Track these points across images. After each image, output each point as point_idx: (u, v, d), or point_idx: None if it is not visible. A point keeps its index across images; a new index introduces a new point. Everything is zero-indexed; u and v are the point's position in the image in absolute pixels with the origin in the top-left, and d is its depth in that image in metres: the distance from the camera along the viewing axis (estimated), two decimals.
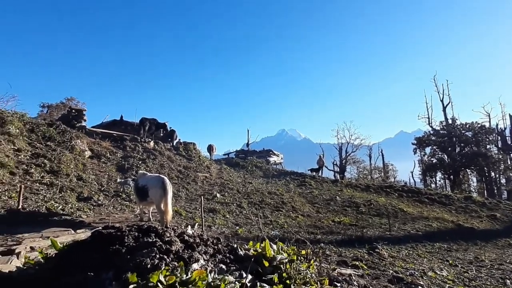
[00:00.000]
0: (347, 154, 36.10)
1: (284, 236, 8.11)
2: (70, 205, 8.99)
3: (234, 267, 2.56)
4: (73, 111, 19.62)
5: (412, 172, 38.09)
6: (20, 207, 7.65)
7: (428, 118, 37.17)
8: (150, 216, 8.76)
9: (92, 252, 2.49)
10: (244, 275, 2.39)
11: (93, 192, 10.72)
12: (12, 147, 11.17)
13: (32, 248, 4.55)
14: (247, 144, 32.93)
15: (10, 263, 3.64)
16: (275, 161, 33.84)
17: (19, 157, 10.96)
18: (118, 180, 12.39)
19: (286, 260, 2.68)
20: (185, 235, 2.81)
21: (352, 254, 7.20)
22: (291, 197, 15.98)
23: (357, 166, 40.63)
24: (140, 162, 16.04)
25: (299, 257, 2.92)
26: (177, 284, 2.01)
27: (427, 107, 37.49)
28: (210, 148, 27.67)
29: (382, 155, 40.92)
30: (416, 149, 38.12)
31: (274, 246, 2.96)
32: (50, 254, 3.27)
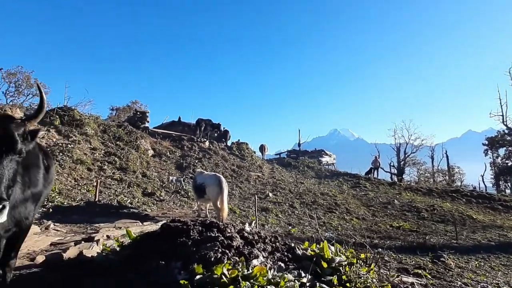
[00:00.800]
0: (406, 155, 33.78)
1: (338, 239, 7.94)
2: (136, 199, 9.84)
3: (292, 266, 2.61)
4: (138, 113, 21.39)
5: (482, 176, 34.32)
6: (96, 199, 8.60)
7: (502, 115, 33.05)
8: (207, 213, 9.19)
9: (162, 242, 2.74)
10: (303, 274, 2.43)
11: (155, 188, 11.57)
12: (88, 146, 12.57)
13: (108, 237, 5.08)
14: (299, 144, 32.64)
15: (92, 248, 4.13)
16: (327, 162, 33.06)
17: (95, 155, 12.29)
18: (171, 178, 13.16)
19: (345, 262, 2.65)
20: (244, 232, 2.94)
21: (413, 262, 6.78)
22: (345, 199, 15.51)
23: (417, 168, 37.77)
24: (196, 161, 16.87)
25: (358, 261, 2.87)
26: (239, 277, 2.13)
27: (500, 103, 33.32)
28: (262, 148, 28.02)
29: (447, 156, 37.49)
30: (487, 150, 34.26)
31: (332, 248, 2.94)
32: (124, 242, 3.66)
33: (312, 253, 2.83)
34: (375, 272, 2.96)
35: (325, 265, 2.62)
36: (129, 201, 9.50)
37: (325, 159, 33.55)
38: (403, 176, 32.01)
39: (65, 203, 8.09)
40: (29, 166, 2.18)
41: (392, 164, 33.07)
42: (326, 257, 2.72)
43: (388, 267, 5.23)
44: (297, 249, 2.89)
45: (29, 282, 2.87)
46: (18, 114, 14.18)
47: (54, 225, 5.86)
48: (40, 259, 3.61)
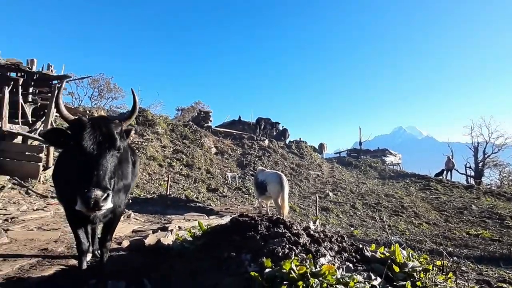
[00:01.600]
0: (486, 156, 30.01)
1: (407, 244, 7.45)
2: (202, 195, 10.45)
3: (361, 268, 2.56)
4: (202, 113, 22.62)
5: None
6: (167, 193, 9.36)
7: None
8: (268, 210, 9.36)
9: (232, 235, 2.91)
10: (373, 277, 2.37)
11: (218, 185, 12.14)
12: (159, 144, 13.70)
13: (179, 228, 5.50)
14: (360, 143, 31.19)
15: (167, 237, 4.52)
16: (391, 162, 31.04)
17: (164, 152, 13.35)
18: (228, 174, 13.61)
19: (420, 268, 2.50)
20: (310, 230, 2.96)
21: (496, 275, 6.05)
22: (413, 202, 14.44)
23: (499, 170, 33.29)
24: (256, 159, 17.24)
25: (433, 268, 2.68)
26: (308, 274, 2.16)
27: None
28: (321, 147, 27.47)
29: None
30: None
31: (404, 252, 2.80)
32: (196, 234, 3.94)
33: (382, 256, 2.72)
34: (453, 282, 2.74)
35: (397, 269, 2.50)
36: (195, 195, 10.14)
37: (389, 158, 31.56)
38: (482, 179, 28.53)
39: (141, 195, 8.96)
40: (122, 161, 2.48)
41: (468, 166, 29.68)
42: (398, 261, 2.60)
43: (466, 278, 4.76)
44: (365, 251, 2.82)
45: (119, 262, 3.27)
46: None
47: (134, 214, 6.53)
48: (125, 243, 4.07)
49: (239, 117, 26.40)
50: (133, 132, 2.49)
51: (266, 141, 21.45)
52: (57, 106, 2.14)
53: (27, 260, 3.20)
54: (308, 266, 2.33)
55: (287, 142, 24.18)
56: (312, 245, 2.76)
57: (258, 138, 21.53)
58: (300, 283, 2.11)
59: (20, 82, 10.90)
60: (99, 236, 3.22)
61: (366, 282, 2.32)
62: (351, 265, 2.62)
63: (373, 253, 2.85)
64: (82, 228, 2.62)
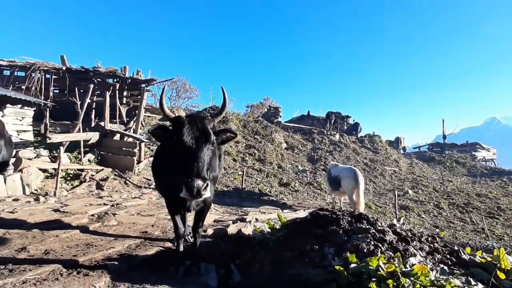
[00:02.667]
0: None
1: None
2: (274, 189, 10.69)
3: (457, 271, 2.36)
4: (272, 108, 22.98)
5: None
6: (243, 187, 9.81)
7: None
8: (341, 206, 9.13)
9: (312, 228, 2.95)
10: (473, 282, 2.17)
11: (290, 179, 12.25)
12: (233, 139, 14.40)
13: (256, 219, 5.75)
14: (443, 136, 28.08)
15: (247, 228, 4.77)
16: (483, 157, 27.31)
17: (238, 147, 13.96)
18: (299, 167, 13.53)
19: None
20: (395, 227, 2.83)
21: None
22: None
23: None
24: (327, 154, 16.88)
25: None
26: (398, 273, 2.09)
27: None
28: (398, 141, 25.59)
29: None
30: None
31: (510, 258, 2.49)
32: (275, 225, 4.08)
33: (483, 260, 2.46)
34: None
35: (502, 276, 2.24)
36: (268, 189, 10.41)
37: (481, 153, 27.82)
38: None
39: (219, 188, 9.56)
40: (211, 155, 2.71)
41: None
42: (503, 267, 2.32)
43: None
44: (462, 253, 2.58)
45: (206, 248, 3.57)
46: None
47: (213, 205, 7.02)
48: (209, 231, 4.42)
49: (308, 112, 26.09)
50: (229, 134, 2.71)
51: (337, 136, 20.82)
52: (161, 106, 2.44)
53: (132, 240, 3.70)
54: (397, 265, 2.25)
55: (359, 137, 23.10)
56: (400, 243, 2.64)
57: (328, 132, 21.02)
58: (390, 281, 2.05)
59: (117, 87, 12.52)
60: (189, 223, 3.57)
61: (466, 287, 2.14)
62: (445, 267, 2.44)
63: (471, 257, 2.60)
64: (179, 214, 2.94)
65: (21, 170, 6.61)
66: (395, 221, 3.79)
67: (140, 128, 12.35)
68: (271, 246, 3.26)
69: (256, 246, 3.45)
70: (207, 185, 2.04)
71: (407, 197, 12.32)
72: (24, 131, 8.09)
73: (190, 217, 3.86)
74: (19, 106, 7.83)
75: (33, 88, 11.41)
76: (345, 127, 24.70)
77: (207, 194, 2.05)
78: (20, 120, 7.92)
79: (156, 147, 12.57)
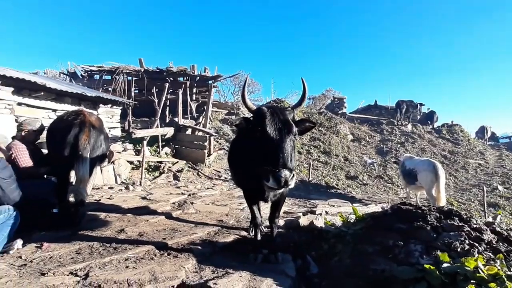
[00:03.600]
0: None
1: None
2: (341, 182, 10.39)
3: None
4: (336, 99, 22.24)
5: None
6: (309, 179, 9.74)
7: None
8: (418, 201, 8.48)
9: (395, 223, 2.81)
10: None
11: (358, 172, 11.77)
12: None
13: (326, 212, 5.66)
14: None
15: (318, 220, 4.74)
16: None
17: (302, 140, 13.85)
18: (366, 159, 12.79)
19: None
20: (494, 226, 2.54)
21: None
22: None
23: None
24: (398, 146, 15.77)
25: None
26: (503, 276, 1.88)
27: None
28: (483, 130, 22.68)
29: None
30: None
31: None
32: (349, 219, 3.98)
33: None
34: None
35: None
36: (334, 182, 10.17)
37: None
38: None
39: None
40: (293, 146, 2.71)
41: None
42: None
43: None
44: None
45: (280, 238, 3.64)
46: (245, 108, 17.93)
47: None
48: (281, 222, 4.50)
49: (375, 102, 24.60)
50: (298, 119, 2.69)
51: (409, 126, 19.28)
52: (243, 98, 2.53)
53: (211, 227, 3.96)
54: (499, 267, 2.03)
55: (435, 126, 21.06)
56: (501, 244, 2.37)
57: (399, 122, 19.59)
58: (493, 285, 1.86)
59: (188, 85, 13.36)
60: (265, 212, 3.67)
61: None
62: None
63: None
64: (256, 204, 3.06)
65: (113, 162, 7.53)
66: (490, 219, 3.40)
67: (209, 123, 13.02)
68: (349, 239, 3.19)
69: (332, 239, 3.42)
70: (293, 175, 2.08)
71: (496, 194, 10.90)
72: (114, 127, 9.17)
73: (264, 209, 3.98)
74: (109, 105, 8.89)
75: (118, 89, 12.81)
76: (418, 117, 22.70)
77: (293, 184, 2.10)
78: (110, 118, 8.99)
79: (223, 140, 13.15)
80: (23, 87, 6.41)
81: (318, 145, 13.59)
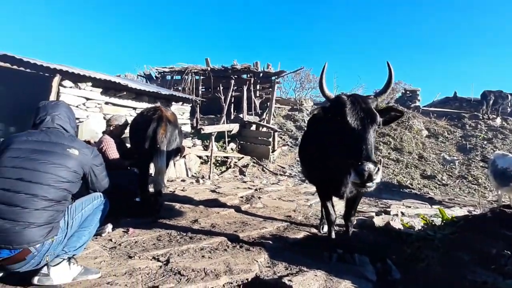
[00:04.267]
0: None
1: None
2: (416, 181, 9.51)
3: None
4: (407, 92, 20.46)
5: None
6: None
7: None
8: None
9: (497, 228, 2.41)
10: None
11: (435, 171, 10.66)
12: None
13: (402, 213, 5.21)
14: None
15: (394, 221, 4.37)
16: None
17: None
18: (446, 157, 11.38)
19: None
20: None
21: None
22: None
23: None
24: (485, 142, 13.89)
25: None
26: None
27: None
28: None
29: None
30: None
31: None
32: (433, 222, 3.58)
33: None
34: None
35: None
36: (408, 181, 9.36)
37: None
38: None
39: None
40: (376, 137, 2.49)
41: None
42: None
43: None
44: None
45: (356, 238, 3.42)
46: (309, 104, 17.56)
47: None
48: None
49: (455, 93, 21.99)
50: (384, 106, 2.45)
51: (498, 120, 16.85)
52: (321, 87, 2.38)
53: (279, 223, 3.91)
54: None
55: None
56: None
57: (485, 116, 17.25)
58: None
59: (252, 82, 13.57)
60: (337, 210, 3.49)
61: None
62: None
63: None
64: (330, 201, 2.89)
65: (184, 156, 7.98)
66: None
67: (272, 119, 13.04)
68: (437, 244, 2.85)
69: (416, 243, 3.10)
70: (379, 169, 1.88)
71: None
72: (184, 124, 9.74)
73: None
74: (180, 103, 9.48)
75: (187, 88, 13.59)
76: (509, 109, 19.68)
77: (378, 179, 1.89)
78: (181, 115, 9.57)
79: (286, 136, 13.07)
80: (109, 88, 7.14)
81: (388, 141, 12.65)
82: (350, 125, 2.03)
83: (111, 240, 2.92)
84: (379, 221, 4.19)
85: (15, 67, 5.46)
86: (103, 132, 4.21)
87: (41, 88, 6.16)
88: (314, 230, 3.72)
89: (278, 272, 2.39)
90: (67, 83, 6.25)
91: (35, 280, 1.85)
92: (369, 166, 1.82)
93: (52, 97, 5.90)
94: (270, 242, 3.11)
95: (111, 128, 4.12)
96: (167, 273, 2.25)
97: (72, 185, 2.00)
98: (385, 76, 2.44)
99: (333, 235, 2.87)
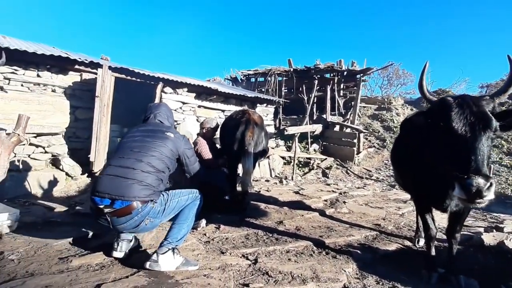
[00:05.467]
0: None
1: None
2: None
3: None
4: None
5: None
6: None
7: None
8: None
9: None
10: None
11: None
12: None
13: None
14: None
15: (510, 241, 3.71)
16: None
17: None
18: None
19: None
20: None
21: None
22: None
23: None
24: None
25: None
26: None
27: None
28: None
29: None
30: None
31: None
32: None
33: None
34: None
35: None
36: None
37: None
38: None
39: None
40: (491, 145, 2.11)
41: None
42: None
43: None
44: None
45: (459, 256, 3.02)
46: (398, 102, 16.17)
47: None
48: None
49: None
50: None
51: None
52: (421, 89, 2.16)
53: (367, 231, 3.69)
54: None
55: None
56: None
57: None
58: None
59: (335, 81, 13.15)
60: (439, 224, 3.13)
61: None
62: None
63: None
64: (430, 213, 2.61)
65: (268, 157, 8.19)
66: None
67: (357, 119, 12.41)
68: None
69: None
70: (491, 184, 1.62)
71: None
72: (268, 125, 9.97)
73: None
74: (264, 104, 9.74)
75: (270, 89, 13.89)
76: None
77: (490, 196, 1.63)
78: (265, 116, 9.82)
79: (373, 137, 12.27)
80: (202, 92, 7.79)
81: (500, 144, 10.75)
82: (456, 131, 1.79)
83: (205, 234, 3.18)
84: (489, 239, 3.62)
85: (129, 77, 6.38)
86: (197, 134, 4.60)
87: (147, 94, 7.08)
88: (407, 243, 3.42)
89: (369, 286, 2.27)
90: (167, 89, 7.04)
91: (147, 265, 2.18)
92: (479, 181, 1.58)
93: (156, 101, 6.73)
94: (358, 251, 2.97)
95: (204, 131, 4.48)
96: (255, 272, 2.34)
97: (170, 160, 2.46)
98: (498, 71, 2.06)
99: (433, 252, 2.58)
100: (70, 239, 2.74)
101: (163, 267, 2.18)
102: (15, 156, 4.64)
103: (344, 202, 5.21)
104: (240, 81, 16.59)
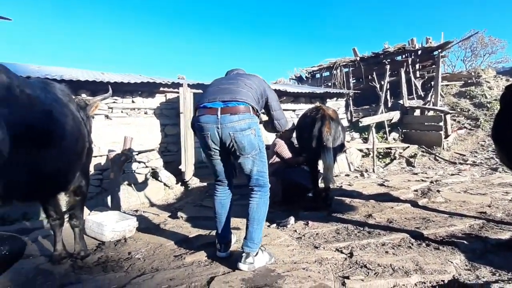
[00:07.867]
0: None
1: None
2: None
3: None
4: None
5: None
6: None
7: None
8: None
9: None
10: None
11: None
12: None
13: None
14: None
15: None
16: None
17: None
18: None
19: None
20: None
21: None
22: None
23: None
24: None
25: None
26: None
27: None
28: None
29: None
30: None
31: None
32: None
33: None
34: None
35: None
36: None
37: None
38: None
39: None
40: None
41: None
42: None
43: None
44: None
45: None
46: (489, 74, 14.15)
47: None
48: None
49: None
50: None
51: None
52: None
53: (471, 220, 3.36)
54: None
55: None
56: None
57: None
58: None
59: (409, 62, 12.16)
60: None
61: None
62: None
63: None
64: None
65: (345, 151, 7.98)
66: None
67: (440, 100, 11.24)
68: None
69: None
70: None
71: None
72: (340, 118, 9.71)
73: None
74: (334, 99, 9.52)
75: (337, 82, 13.47)
76: None
77: None
78: (336, 110, 9.60)
79: (462, 117, 10.98)
80: None
81: None
82: None
83: (295, 231, 3.28)
84: None
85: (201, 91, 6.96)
86: (276, 135, 4.77)
87: None
88: None
89: (483, 277, 2.09)
90: None
91: (243, 266, 2.23)
92: None
93: None
94: (464, 242, 2.74)
95: (281, 132, 4.63)
96: (353, 265, 2.35)
97: (258, 95, 2.42)
98: None
99: None
100: (178, 240, 3.11)
101: (257, 264, 2.27)
102: (124, 172, 5.45)
103: (438, 191, 4.80)
104: (305, 79, 16.47)
